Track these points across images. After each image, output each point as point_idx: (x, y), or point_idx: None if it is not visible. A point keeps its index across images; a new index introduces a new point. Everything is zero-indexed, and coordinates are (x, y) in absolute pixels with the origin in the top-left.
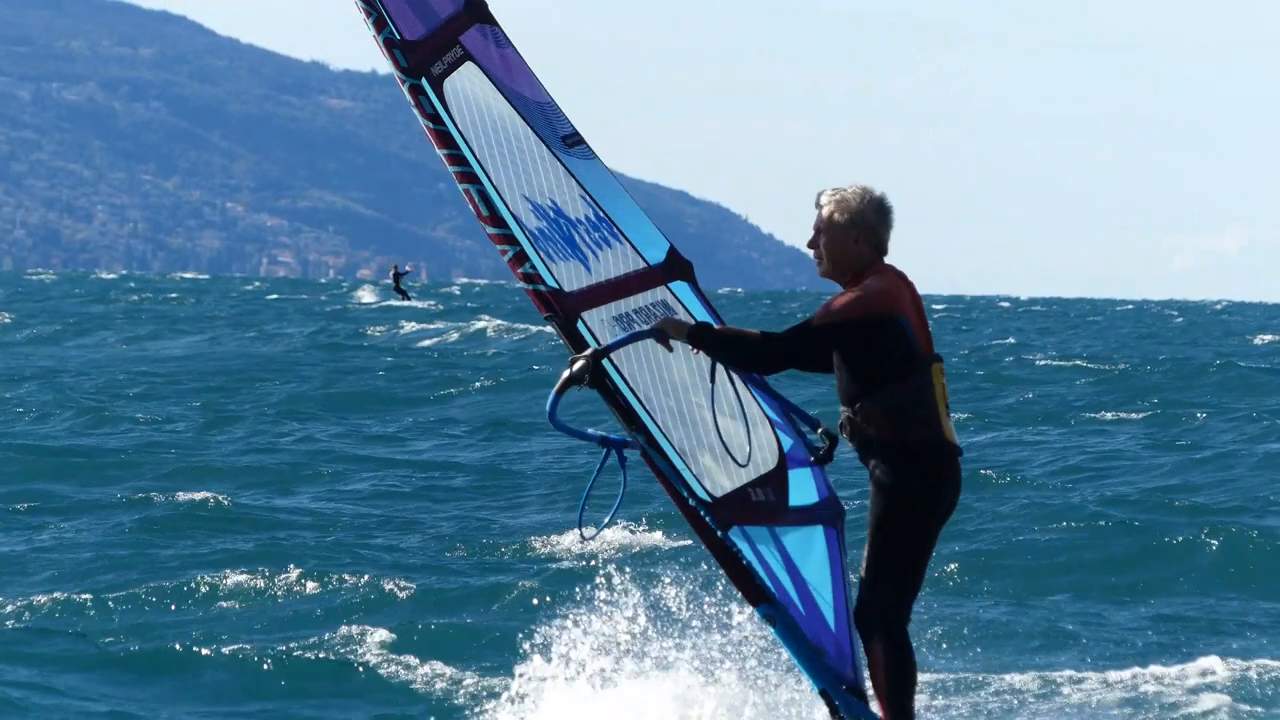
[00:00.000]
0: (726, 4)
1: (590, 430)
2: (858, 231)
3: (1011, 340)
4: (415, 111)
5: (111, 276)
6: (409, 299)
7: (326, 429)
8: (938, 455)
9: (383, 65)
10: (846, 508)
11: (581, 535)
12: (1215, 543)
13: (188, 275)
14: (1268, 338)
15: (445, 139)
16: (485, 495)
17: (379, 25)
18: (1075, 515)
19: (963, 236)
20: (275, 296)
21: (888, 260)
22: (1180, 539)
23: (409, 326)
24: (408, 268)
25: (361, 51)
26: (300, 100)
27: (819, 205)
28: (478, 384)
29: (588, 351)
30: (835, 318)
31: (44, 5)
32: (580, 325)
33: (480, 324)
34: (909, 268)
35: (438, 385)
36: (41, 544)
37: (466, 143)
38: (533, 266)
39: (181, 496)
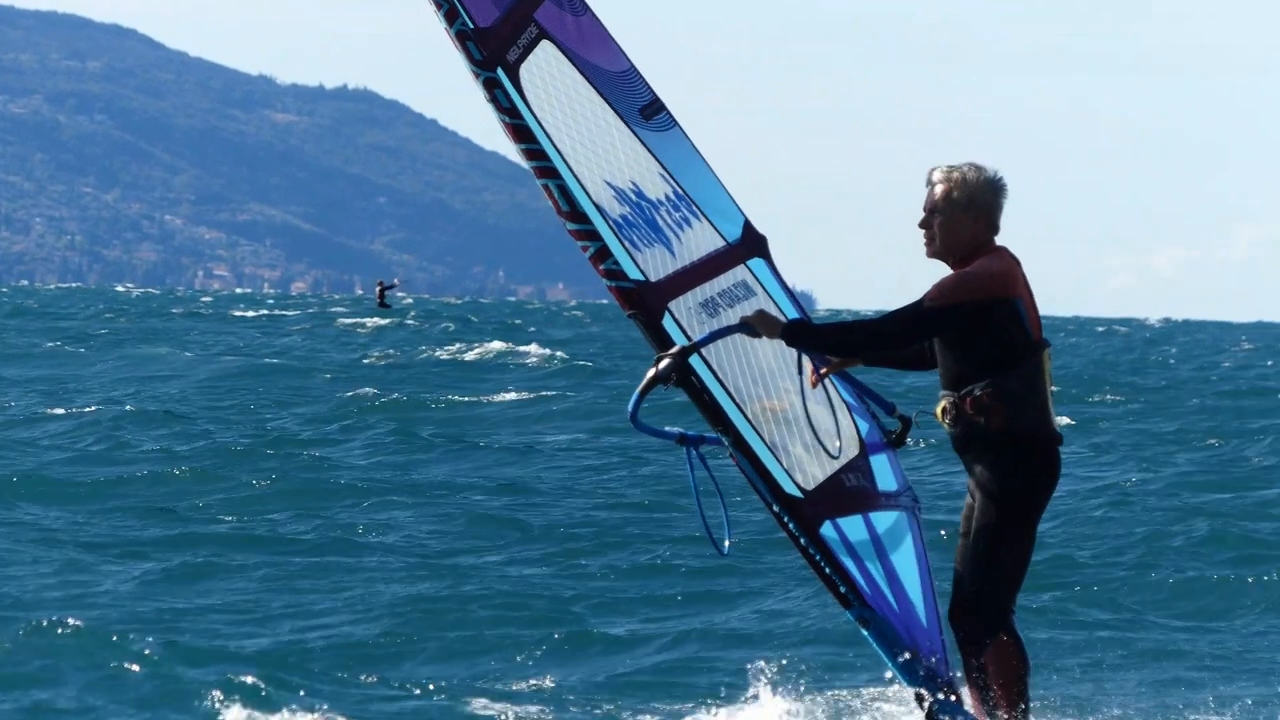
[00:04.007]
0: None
1: (669, 428)
2: (976, 211)
3: None
4: (490, 106)
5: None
6: (387, 305)
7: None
8: (1047, 447)
9: (330, 79)
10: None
11: (718, 549)
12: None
13: (121, 288)
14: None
15: (523, 133)
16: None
17: (450, 17)
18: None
19: (897, 253)
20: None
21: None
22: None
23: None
24: (395, 281)
25: (309, 66)
26: (245, 114)
27: (931, 183)
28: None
29: (674, 349)
30: (951, 298)
31: None
32: (667, 318)
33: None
34: (832, 281)
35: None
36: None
37: (546, 134)
38: (615, 263)
39: None
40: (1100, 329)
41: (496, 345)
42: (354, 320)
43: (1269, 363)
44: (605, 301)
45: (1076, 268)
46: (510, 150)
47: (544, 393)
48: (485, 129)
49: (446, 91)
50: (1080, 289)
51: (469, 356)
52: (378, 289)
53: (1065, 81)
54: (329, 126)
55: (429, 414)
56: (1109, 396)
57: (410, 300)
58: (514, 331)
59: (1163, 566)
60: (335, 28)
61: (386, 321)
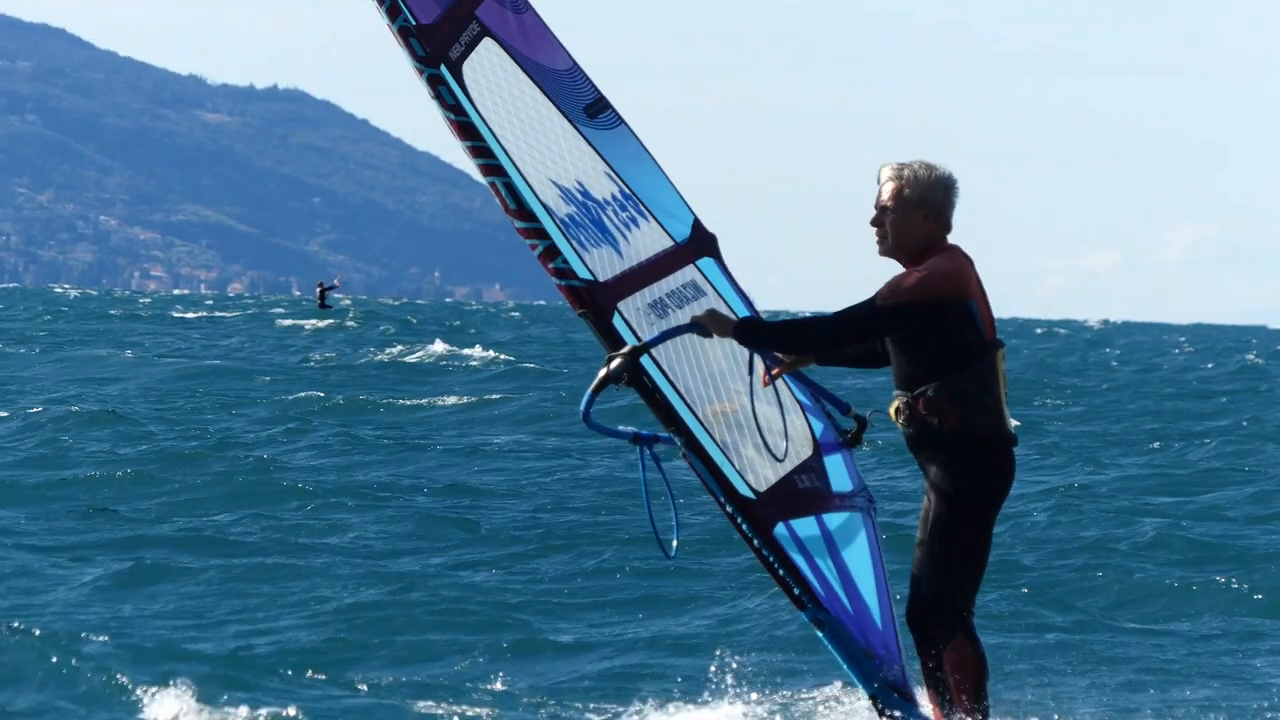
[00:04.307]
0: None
1: (622, 427)
2: (927, 209)
3: None
4: (435, 104)
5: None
6: (328, 306)
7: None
8: (1001, 447)
9: (261, 79)
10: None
11: (665, 551)
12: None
13: (59, 289)
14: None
15: (468, 130)
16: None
17: (393, 14)
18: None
19: (828, 256)
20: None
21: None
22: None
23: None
24: (335, 282)
25: (239, 66)
26: (177, 114)
27: (882, 181)
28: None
29: (626, 349)
30: (903, 298)
31: None
32: (617, 318)
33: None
34: (776, 282)
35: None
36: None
37: (490, 131)
38: (564, 261)
39: None
40: (1039, 330)
41: (438, 347)
42: (294, 321)
43: (1209, 365)
44: (543, 303)
45: (1010, 269)
46: (443, 151)
47: (488, 395)
48: (417, 129)
49: (378, 92)
50: (1016, 291)
51: (411, 358)
52: (318, 290)
53: (997, 82)
54: (260, 127)
55: (373, 416)
56: (1050, 401)
57: (349, 301)
58: (455, 333)
59: (1109, 570)
60: (265, 28)
61: (327, 323)
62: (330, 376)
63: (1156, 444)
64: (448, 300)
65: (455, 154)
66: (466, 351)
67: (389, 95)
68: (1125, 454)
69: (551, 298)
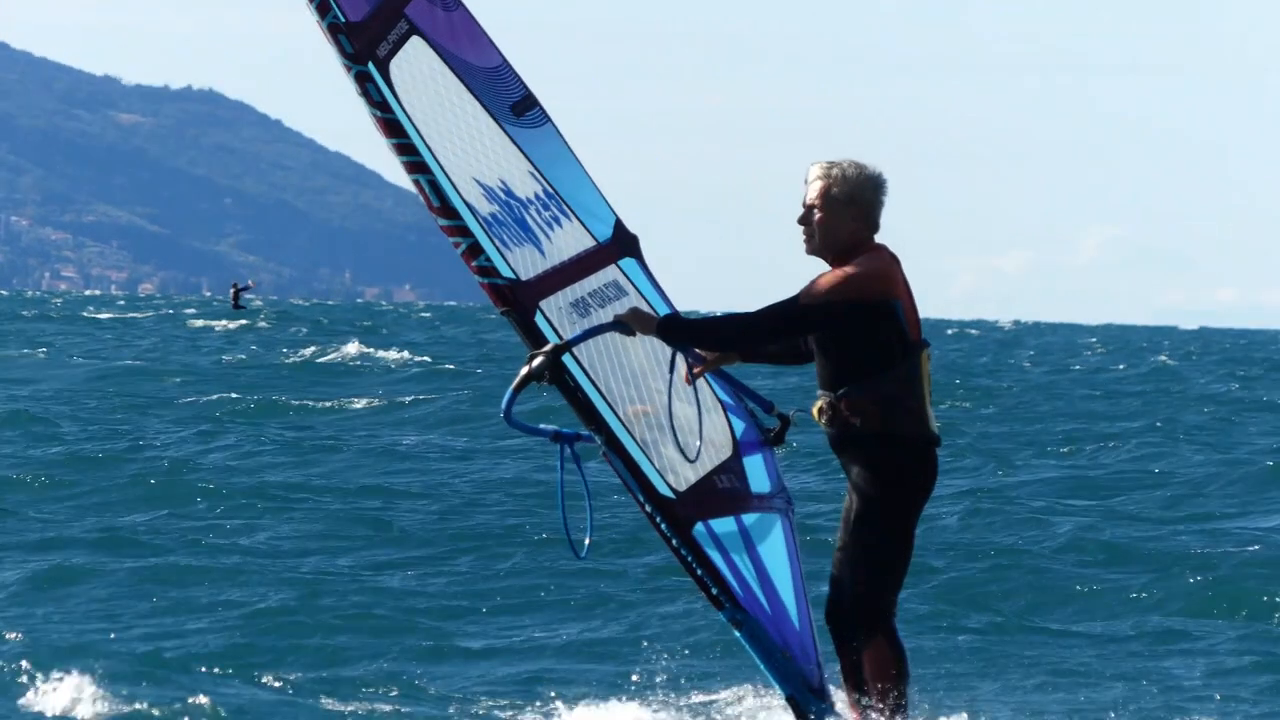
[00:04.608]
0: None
1: (543, 426)
2: (855, 208)
3: None
4: (362, 101)
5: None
6: (242, 307)
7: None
8: (924, 449)
9: (175, 80)
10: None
11: (575, 552)
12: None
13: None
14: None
15: (394, 128)
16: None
17: (322, 10)
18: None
19: (728, 256)
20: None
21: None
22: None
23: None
24: (249, 283)
25: (154, 66)
26: (91, 115)
27: (810, 179)
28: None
29: (548, 347)
30: (826, 298)
31: None
32: (539, 317)
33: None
34: (690, 283)
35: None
36: None
37: (416, 129)
38: (487, 259)
39: None
40: (951, 331)
41: (352, 348)
42: (206, 322)
43: (1120, 366)
44: (454, 303)
45: (917, 269)
46: (355, 152)
47: (401, 397)
48: (330, 130)
49: (291, 93)
50: (925, 291)
51: (326, 359)
52: (232, 290)
53: (902, 82)
54: (174, 127)
55: (285, 418)
56: (963, 402)
57: (260, 302)
58: (368, 334)
59: (1022, 572)
60: (181, 29)
61: (239, 324)
62: (243, 377)
63: (1069, 446)
64: (358, 301)
65: (367, 155)
66: (381, 353)
67: (302, 96)
68: (1038, 456)
69: (462, 298)
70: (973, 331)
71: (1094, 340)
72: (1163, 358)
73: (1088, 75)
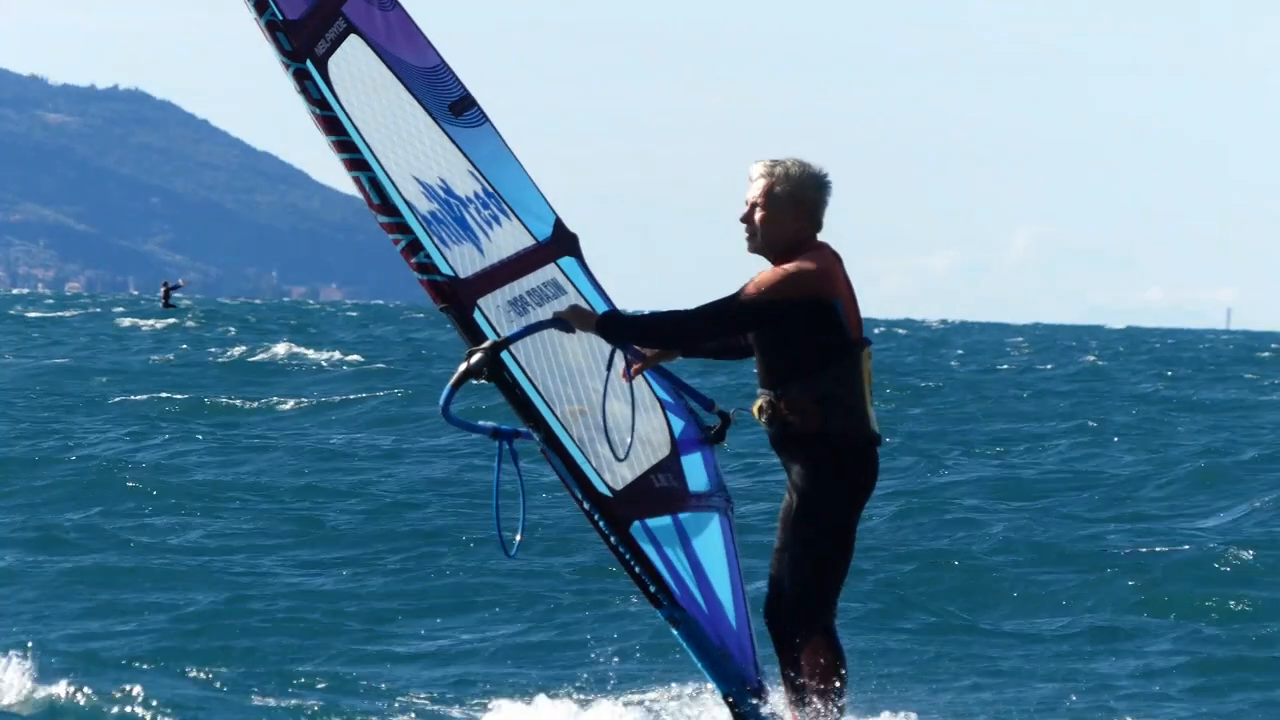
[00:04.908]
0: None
1: (482, 422)
2: (798, 207)
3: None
4: (302, 98)
5: None
6: (172, 306)
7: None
8: (864, 448)
9: (102, 79)
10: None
11: (505, 550)
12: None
13: None
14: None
15: (333, 125)
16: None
17: (260, 8)
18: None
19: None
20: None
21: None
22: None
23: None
24: (180, 282)
25: (82, 66)
26: (17, 114)
27: (753, 178)
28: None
29: (486, 343)
30: (767, 295)
31: None
32: (477, 315)
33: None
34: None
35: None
36: None
37: (355, 127)
38: (427, 256)
39: None
40: (879, 330)
41: (282, 348)
42: (135, 321)
43: (1048, 365)
44: (381, 302)
45: (856, 269)
46: (282, 151)
47: (332, 396)
48: (257, 130)
49: (218, 92)
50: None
51: (256, 358)
52: (163, 289)
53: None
54: (101, 127)
55: (214, 417)
56: (890, 404)
57: (189, 301)
58: (297, 333)
59: (952, 573)
60: (106, 28)
61: (168, 323)
62: (173, 377)
63: (999, 446)
64: (285, 299)
65: (294, 154)
66: (311, 353)
67: (230, 96)
68: (968, 456)
69: (389, 297)
70: (900, 330)
71: (1020, 339)
72: (1090, 357)
73: (1011, 75)
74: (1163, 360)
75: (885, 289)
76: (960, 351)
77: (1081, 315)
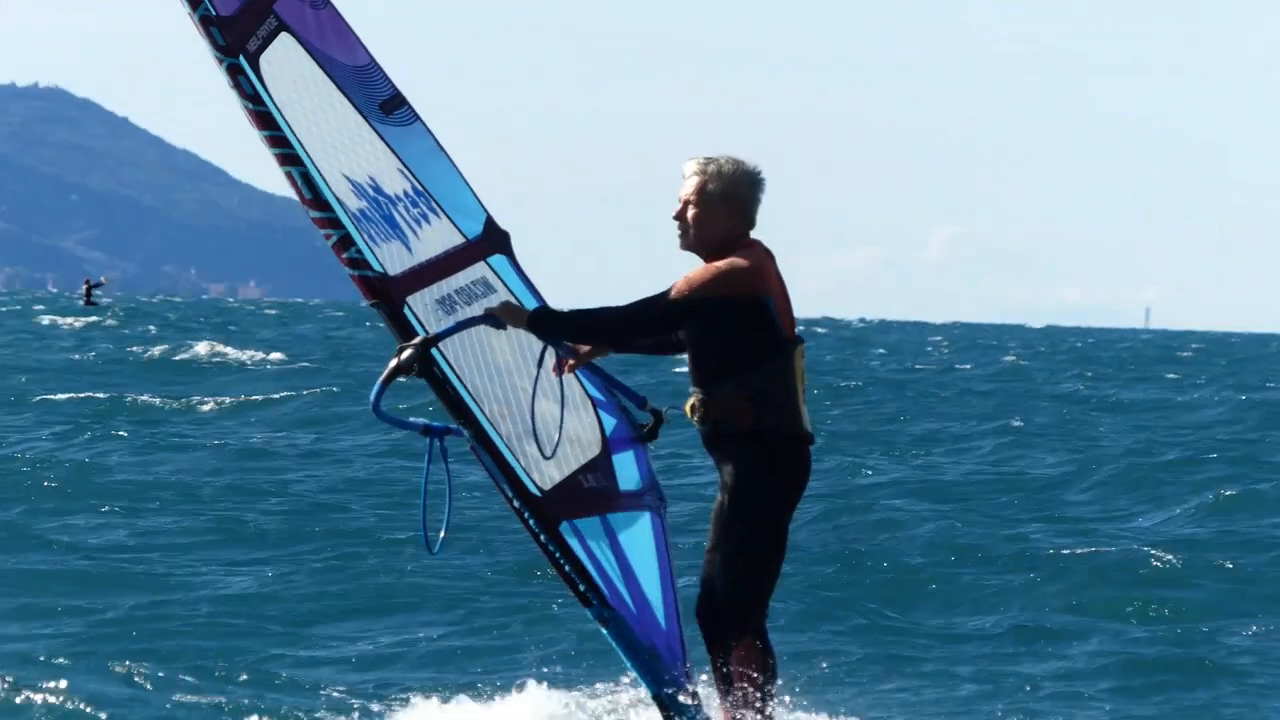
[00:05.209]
0: None
1: (413, 419)
2: (731, 204)
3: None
4: (235, 93)
5: None
6: (94, 303)
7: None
8: (795, 446)
9: (22, 77)
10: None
11: (429, 548)
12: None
13: None
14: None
15: (265, 120)
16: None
17: (194, 3)
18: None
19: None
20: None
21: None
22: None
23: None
24: (101, 280)
25: (0, 65)
26: None
27: (686, 175)
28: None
29: (416, 339)
30: (698, 293)
31: None
32: (406, 312)
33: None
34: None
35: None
36: None
37: (287, 122)
38: (358, 251)
39: None
40: (799, 329)
41: (204, 345)
42: (54, 319)
43: (968, 365)
44: (300, 300)
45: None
46: (201, 149)
47: (255, 395)
48: (176, 128)
49: (138, 91)
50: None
51: (179, 356)
52: (84, 287)
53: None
54: (20, 125)
55: (140, 416)
56: (813, 403)
57: (110, 300)
58: (219, 331)
59: (876, 574)
60: (25, 26)
61: (88, 320)
62: (95, 375)
63: (922, 446)
64: (204, 297)
65: (213, 152)
66: (233, 351)
67: (149, 94)
68: (890, 456)
69: (307, 295)
70: (820, 329)
71: (939, 338)
72: (1011, 357)
73: (932, 74)
74: (1084, 359)
75: (801, 289)
76: (882, 350)
77: (1002, 314)
